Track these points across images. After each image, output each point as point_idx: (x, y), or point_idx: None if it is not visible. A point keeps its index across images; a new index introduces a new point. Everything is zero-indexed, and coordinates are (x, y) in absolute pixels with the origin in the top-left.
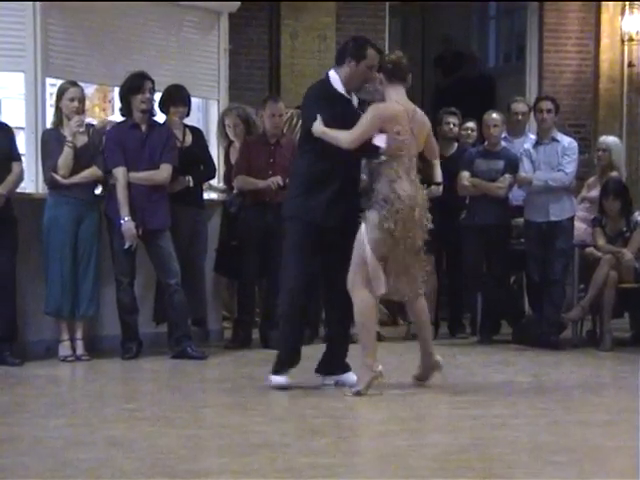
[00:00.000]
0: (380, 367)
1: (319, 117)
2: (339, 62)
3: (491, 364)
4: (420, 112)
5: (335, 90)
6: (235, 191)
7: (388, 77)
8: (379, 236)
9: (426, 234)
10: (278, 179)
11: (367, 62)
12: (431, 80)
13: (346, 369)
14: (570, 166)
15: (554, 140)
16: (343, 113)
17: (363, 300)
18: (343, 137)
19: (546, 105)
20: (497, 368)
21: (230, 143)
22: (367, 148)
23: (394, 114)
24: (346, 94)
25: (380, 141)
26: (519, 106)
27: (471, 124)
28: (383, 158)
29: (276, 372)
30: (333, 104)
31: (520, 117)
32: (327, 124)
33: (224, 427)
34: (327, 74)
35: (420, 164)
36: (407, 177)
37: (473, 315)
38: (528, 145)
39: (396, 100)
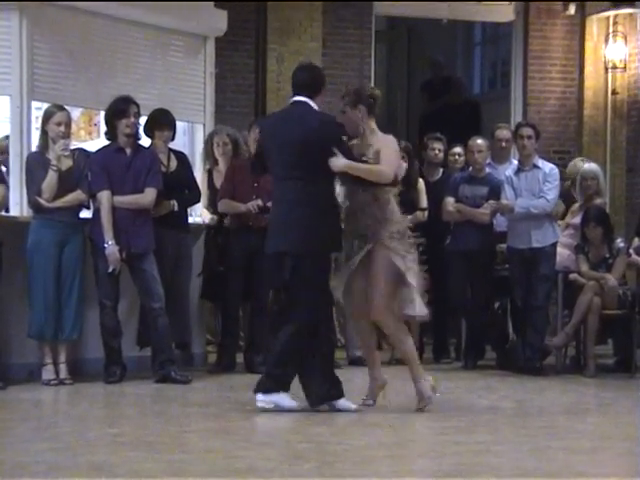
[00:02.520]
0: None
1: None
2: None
3: (475, 390)
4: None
5: None
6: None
7: (369, 110)
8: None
9: None
10: (258, 201)
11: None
12: (417, 105)
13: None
14: (551, 193)
15: (535, 167)
16: None
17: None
18: (384, 171)
19: (526, 131)
20: (481, 394)
21: (214, 166)
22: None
23: None
24: None
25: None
26: (503, 133)
27: (459, 149)
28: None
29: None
30: None
31: (504, 144)
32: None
33: (208, 452)
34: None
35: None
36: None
37: (457, 340)
38: (510, 172)
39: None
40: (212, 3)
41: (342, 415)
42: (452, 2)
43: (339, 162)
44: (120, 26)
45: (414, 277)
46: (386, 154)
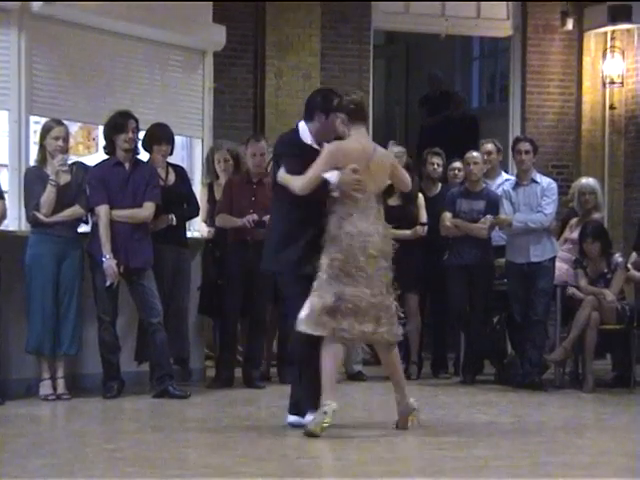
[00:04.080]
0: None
1: (282, 167)
2: (308, 118)
3: (474, 405)
4: (381, 150)
5: (303, 142)
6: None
7: (350, 117)
8: (331, 275)
9: (389, 272)
10: (254, 216)
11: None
12: (415, 120)
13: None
14: (549, 207)
15: (533, 181)
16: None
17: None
18: (295, 182)
19: (524, 146)
20: (480, 409)
21: (214, 179)
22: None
23: (348, 151)
24: (315, 145)
25: (331, 176)
26: (487, 146)
27: (458, 164)
28: (335, 195)
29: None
30: (302, 154)
31: (486, 157)
32: (294, 173)
33: (206, 467)
34: (297, 125)
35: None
36: (361, 214)
37: (456, 355)
38: (508, 186)
39: (355, 139)
40: (210, 19)
41: (340, 431)
42: (450, 17)
43: (279, 175)
44: (119, 41)
45: None
46: (314, 162)
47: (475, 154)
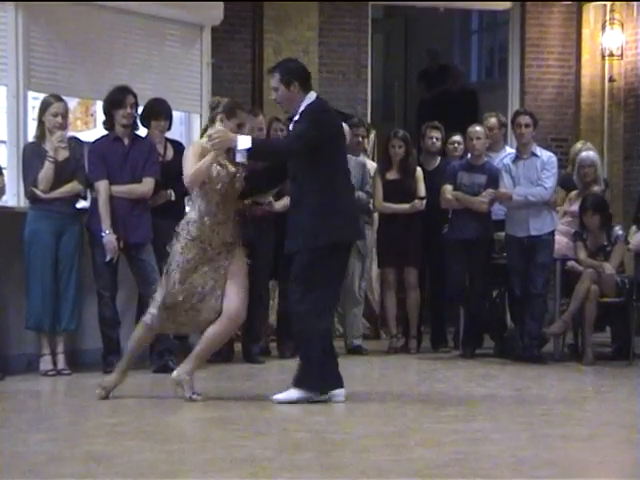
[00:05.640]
0: None
1: None
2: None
3: (473, 378)
4: None
5: None
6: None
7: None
8: None
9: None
10: None
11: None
12: (414, 94)
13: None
14: (549, 181)
15: (533, 155)
16: None
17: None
18: None
19: (524, 120)
20: (479, 382)
21: None
22: None
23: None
24: None
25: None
26: (491, 121)
27: (457, 138)
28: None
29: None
30: None
31: (489, 132)
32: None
33: (206, 441)
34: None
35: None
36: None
37: (456, 329)
38: (508, 160)
39: None
40: None
41: (340, 405)
42: None
43: None
44: (116, 16)
45: None
46: None
47: (478, 129)
